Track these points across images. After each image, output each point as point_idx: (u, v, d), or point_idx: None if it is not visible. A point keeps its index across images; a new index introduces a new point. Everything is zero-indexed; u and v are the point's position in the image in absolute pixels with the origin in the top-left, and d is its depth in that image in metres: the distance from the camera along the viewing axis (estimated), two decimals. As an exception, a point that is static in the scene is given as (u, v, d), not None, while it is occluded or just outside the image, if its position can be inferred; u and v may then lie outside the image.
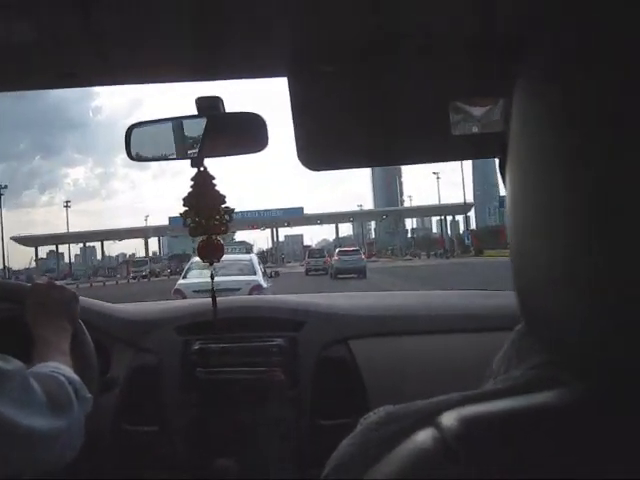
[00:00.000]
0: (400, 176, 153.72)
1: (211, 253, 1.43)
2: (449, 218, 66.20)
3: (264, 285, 9.49)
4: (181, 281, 10.24)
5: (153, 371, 1.53)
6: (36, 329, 1.17)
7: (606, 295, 0.31)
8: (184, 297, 7.64)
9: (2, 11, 0.89)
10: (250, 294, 7.36)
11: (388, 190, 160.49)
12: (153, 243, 65.17)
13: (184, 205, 1.39)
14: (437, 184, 70.91)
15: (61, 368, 1.05)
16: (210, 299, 1.51)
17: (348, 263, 27.21)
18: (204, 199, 1.37)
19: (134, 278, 39.91)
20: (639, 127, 0.30)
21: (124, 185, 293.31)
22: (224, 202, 1.39)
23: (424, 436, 0.35)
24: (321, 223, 64.04)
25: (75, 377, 1.05)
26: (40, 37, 0.98)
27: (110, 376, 1.44)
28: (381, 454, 0.37)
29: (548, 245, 0.33)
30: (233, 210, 1.40)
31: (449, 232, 65.77)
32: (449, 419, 0.34)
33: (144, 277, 40.26)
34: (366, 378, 1.46)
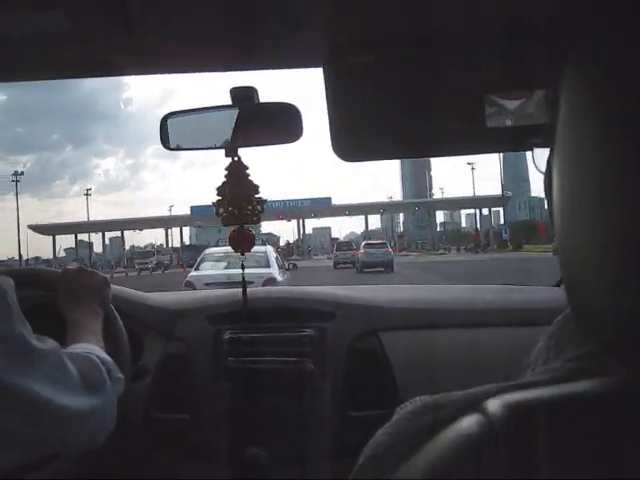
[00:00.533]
0: (430, 170, 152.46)
1: (242, 243, 1.49)
2: (479, 212, 65.35)
3: (278, 278, 9.42)
4: (193, 273, 10.28)
5: (184, 360, 1.59)
6: (67, 314, 1.23)
7: None
8: (194, 290, 7.73)
9: (37, 1, 0.95)
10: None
11: (417, 184, 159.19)
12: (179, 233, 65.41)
13: (217, 194, 1.45)
14: (472, 175, 70.13)
15: (94, 349, 1.10)
16: (241, 289, 1.57)
17: (374, 256, 27.10)
18: (237, 189, 1.43)
19: (139, 271, 38.82)
20: None
21: (154, 176, 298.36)
22: (257, 192, 1.44)
23: (469, 422, 0.36)
24: (350, 214, 63.50)
25: (108, 358, 1.11)
26: (73, 27, 1.01)
27: (142, 364, 1.51)
28: (419, 444, 0.38)
29: (595, 238, 0.34)
30: (265, 201, 1.45)
31: (479, 226, 64.90)
32: (495, 405, 0.36)
33: (154, 270, 39.09)
34: (396, 370, 1.50)
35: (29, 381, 0.87)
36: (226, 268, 8.89)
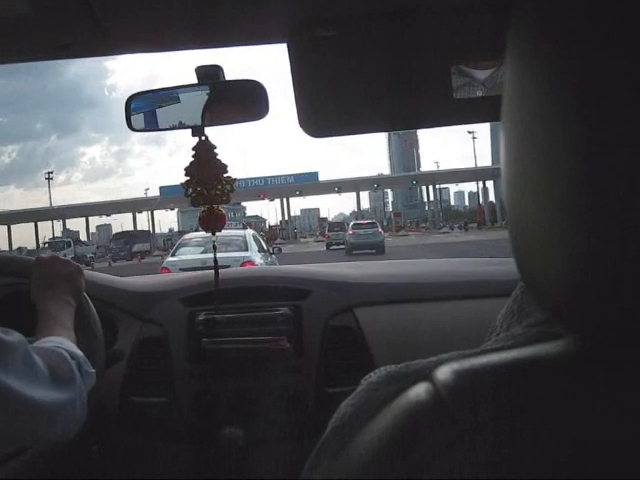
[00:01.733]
0: (417, 147, 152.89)
1: (213, 224, 1.62)
2: (467, 191, 65.02)
3: (257, 261, 9.86)
4: (169, 259, 10.93)
5: (159, 342, 1.72)
6: (40, 303, 1.31)
7: (600, 254, 0.34)
8: None
9: None
10: None
11: (405, 161, 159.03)
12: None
13: (185, 175, 1.56)
14: (473, 145, 70.00)
15: (64, 343, 1.18)
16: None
17: (363, 238, 27.54)
18: (205, 169, 1.54)
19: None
20: (633, 88, 0.32)
21: (141, 162, 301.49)
22: (226, 171, 1.56)
23: (418, 390, 0.40)
24: (339, 191, 62.45)
25: (78, 352, 1.18)
26: (36, 7, 1.10)
27: (117, 348, 1.62)
28: (379, 413, 0.42)
29: (543, 207, 0.37)
30: (235, 180, 1.57)
31: (467, 203, 64.78)
32: (443, 373, 0.39)
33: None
34: (372, 346, 1.65)
35: (0, 374, 0.94)
36: (203, 253, 9.20)
